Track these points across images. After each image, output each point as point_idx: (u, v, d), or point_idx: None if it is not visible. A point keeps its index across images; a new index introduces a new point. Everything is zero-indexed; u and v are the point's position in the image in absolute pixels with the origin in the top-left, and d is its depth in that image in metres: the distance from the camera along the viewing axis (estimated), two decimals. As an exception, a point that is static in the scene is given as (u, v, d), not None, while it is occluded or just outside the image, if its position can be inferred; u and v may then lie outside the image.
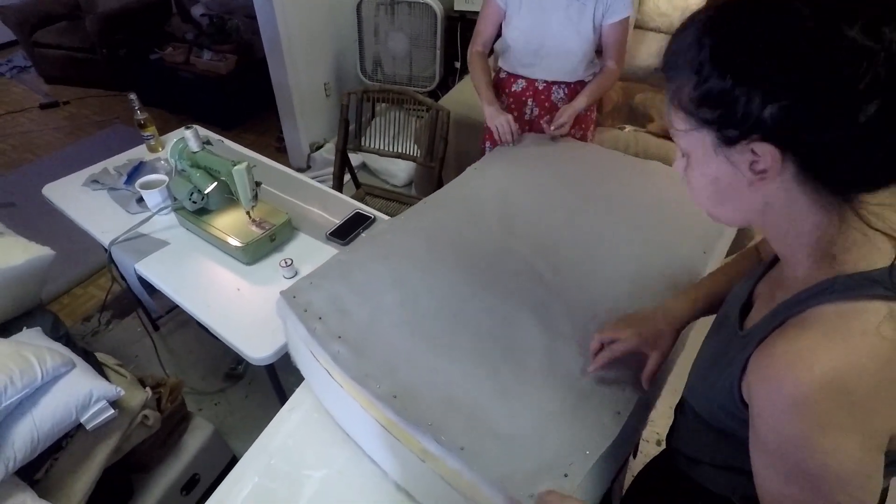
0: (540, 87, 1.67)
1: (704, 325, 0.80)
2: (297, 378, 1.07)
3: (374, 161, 2.92)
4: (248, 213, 1.39)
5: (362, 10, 2.81)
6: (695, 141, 0.52)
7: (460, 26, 2.89)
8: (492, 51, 1.71)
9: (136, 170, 1.67)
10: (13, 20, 3.92)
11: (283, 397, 1.24)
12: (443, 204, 1.25)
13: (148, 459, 1.40)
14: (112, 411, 1.18)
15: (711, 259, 1.12)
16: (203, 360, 2.03)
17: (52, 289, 2.30)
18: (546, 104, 1.69)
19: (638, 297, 0.99)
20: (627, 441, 0.84)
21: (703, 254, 1.11)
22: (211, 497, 0.92)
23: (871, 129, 0.42)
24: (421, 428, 0.75)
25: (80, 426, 1.17)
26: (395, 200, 2.20)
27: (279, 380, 1.35)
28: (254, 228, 1.39)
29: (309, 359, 0.95)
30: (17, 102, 3.95)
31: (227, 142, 1.92)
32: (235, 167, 1.28)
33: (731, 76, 0.46)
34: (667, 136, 2.31)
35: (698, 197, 0.57)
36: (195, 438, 1.51)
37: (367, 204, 1.71)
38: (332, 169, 2.24)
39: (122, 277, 1.55)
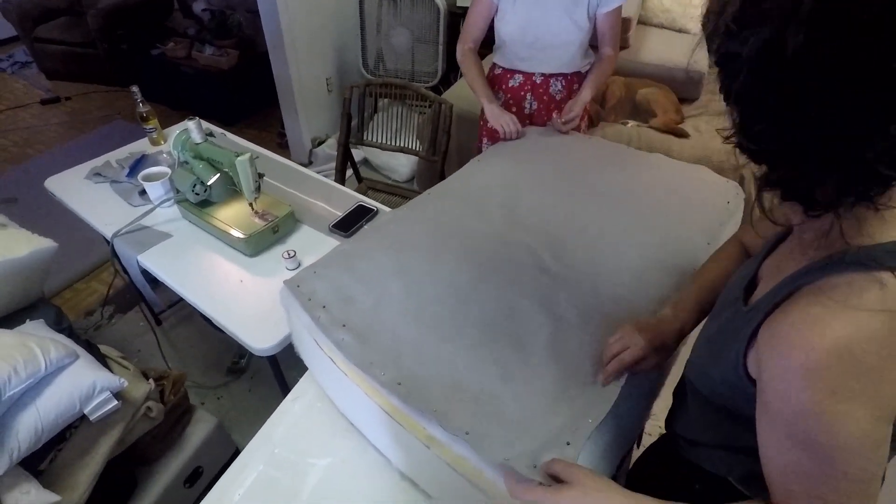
0: (538, 81, 1.67)
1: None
2: (300, 371, 1.08)
3: (376, 156, 2.91)
4: (250, 204, 1.39)
5: (365, 5, 2.81)
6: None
7: (463, 22, 2.89)
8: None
9: (139, 163, 1.67)
10: (14, 15, 3.92)
11: (285, 390, 1.24)
12: (446, 195, 1.25)
13: (151, 452, 1.40)
14: (116, 402, 1.18)
15: (714, 250, 1.12)
16: (205, 354, 2.03)
17: (54, 283, 2.30)
18: (544, 98, 1.69)
19: (641, 286, 0.99)
20: (631, 427, 0.84)
21: (706, 245, 1.11)
22: (215, 485, 0.93)
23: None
24: (426, 414, 0.75)
25: (83, 418, 1.17)
26: (398, 195, 2.20)
27: (282, 372, 1.35)
28: (257, 220, 1.39)
29: (313, 347, 0.95)
30: (19, 98, 3.95)
31: (230, 135, 1.91)
32: (238, 158, 1.27)
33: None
34: (669, 131, 2.31)
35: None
36: (198, 431, 1.51)
37: (369, 198, 1.71)
38: (333, 164, 2.24)
39: (125, 271, 1.55)
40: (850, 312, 0.46)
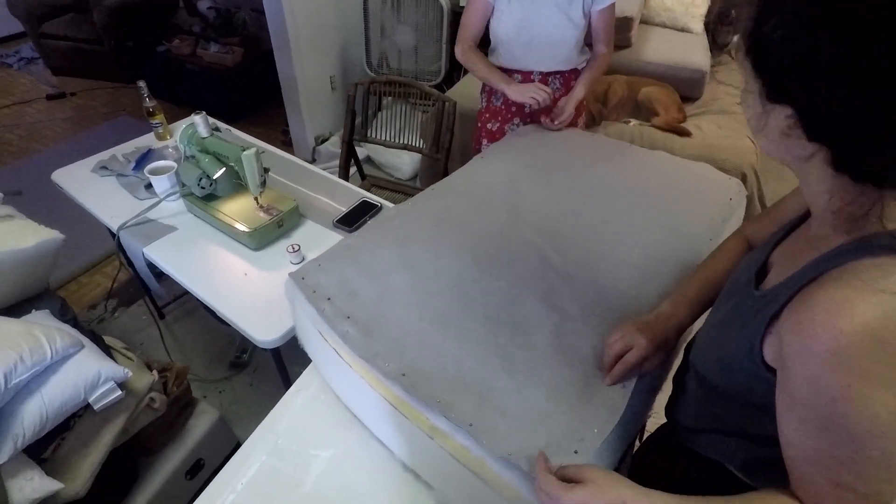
0: (536, 80, 1.67)
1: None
2: (303, 367, 1.09)
3: (379, 155, 2.92)
4: (255, 199, 1.40)
5: (369, 4, 2.82)
6: (746, 78, 0.54)
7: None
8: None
9: (145, 157, 1.68)
10: (21, 12, 3.94)
11: (288, 383, 1.25)
12: (449, 190, 1.26)
13: (153, 443, 1.41)
14: (119, 392, 1.19)
15: (716, 245, 1.13)
16: (208, 348, 2.04)
17: (58, 277, 2.31)
18: None
19: (644, 281, 1.00)
20: (634, 421, 0.84)
21: (709, 240, 1.12)
22: (218, 475, 0.93)
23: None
24: (430, 405, 0.76)
25: (87, 407, 1.18)
26: (401, 192, 2.20)
27: (285, 365, 1.36)
28: (261, 214, 1.40)
29: (317, 339, 0.95)
30: (25, 93, 3.96)
31: (235, 130, 1.92)
32: (244, 152, 1.28)
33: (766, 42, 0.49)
34: (671, 129, 2.32)
35: (745, 115, 0.59)
36: (200, 423, 1.52)
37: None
38: (337, 162, 2.25)
39: (129, 264, 1.56)
40: (879, 295, 0.46)
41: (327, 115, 3.09)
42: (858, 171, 0.49)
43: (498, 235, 1.10)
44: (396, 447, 0.91)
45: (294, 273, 0.99)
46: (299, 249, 1.33)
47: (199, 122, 1.38)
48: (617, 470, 0.83)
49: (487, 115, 1.78)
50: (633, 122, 2.42)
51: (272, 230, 1.40)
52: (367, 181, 2.26)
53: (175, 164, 1.56)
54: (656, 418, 1.35)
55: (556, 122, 1.53)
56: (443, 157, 2.00)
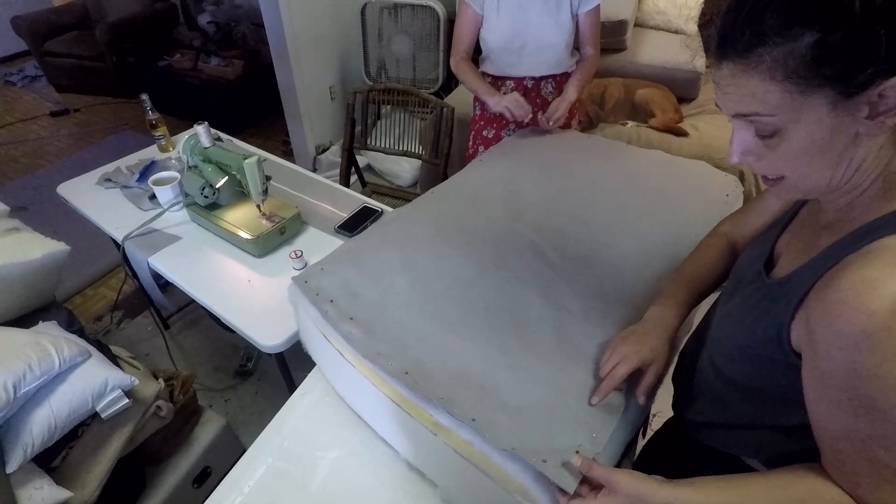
0: (529, 85, 1.69)
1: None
2: (307, 373, 1.09)
3: (380, 162, 2.95)
4: (258, 206, 1.42)
5: (366, 14, 2.85)
6: (798, 108, 0.49)
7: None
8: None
9: (148, 168, 1.71)
10: (25, 30, 4.00)
11: (293, 389, 1.26)
12: (449, 192, 1.28)
13: (160, 451, 1.42)
14: (127, 400, 1.20)
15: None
16: (213, 357, 2.05)
17: (64, 290, 2.33)
18: (537, 101, 1.71)
19: (642, 277, 1.01)
20: (635, 418, 0.85)
21: (707, 237, 1.13)
22: (226, 477, 0.94)
23: None
24: (433, 401, 0.77)
25: (95, 416, 1.19)
26: (401, 198, 2.22)
27: (289, 371, 1.37)
28: (264, 222, 1.41)
29: (321, 341, 0.97)
30: (29, 111, 4.01)
31: (237, 141, 1.95)
32: (246, 160, 1.30)
33: (859, 19, 0.43)
34: (668, 130, 2.33)
35: (791, 172, 0.55)
36: (207, 431, 1.52)
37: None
38: (337, 170, 2.27)
39: (134, 275, 1.58)
40: None
41: (327, 125, 3.12)
42: None
43: (497, 235, 1.11)
44: (401, 446, 0.92)
45: (297, 277, 1.00)
46: (302, 255, 1.35)
47: (201, 132, 1.40)
48: (619, 464, 0.84)
49: (482, 123, 1.80)
50: (631, 123, 2.44)
51: (275, 237, 1.41)
52: (367, 188, 2.28)
53: (178, 175, 1.58)
54: (660, 417, 1.36)
55: (550, 123, 1.55)
56: (442, 163, 2.02)
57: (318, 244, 1.45)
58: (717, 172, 1.39)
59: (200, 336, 2.14)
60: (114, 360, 1.34)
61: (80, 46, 4.02)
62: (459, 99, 2.55)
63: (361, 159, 2.85)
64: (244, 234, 1.38)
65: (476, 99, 1.81)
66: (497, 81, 1.72)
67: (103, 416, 1.17)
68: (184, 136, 1.86)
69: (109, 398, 1.17)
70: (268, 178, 1.40)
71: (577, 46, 1.66)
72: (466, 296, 0.95)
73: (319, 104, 3.01)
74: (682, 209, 1.21)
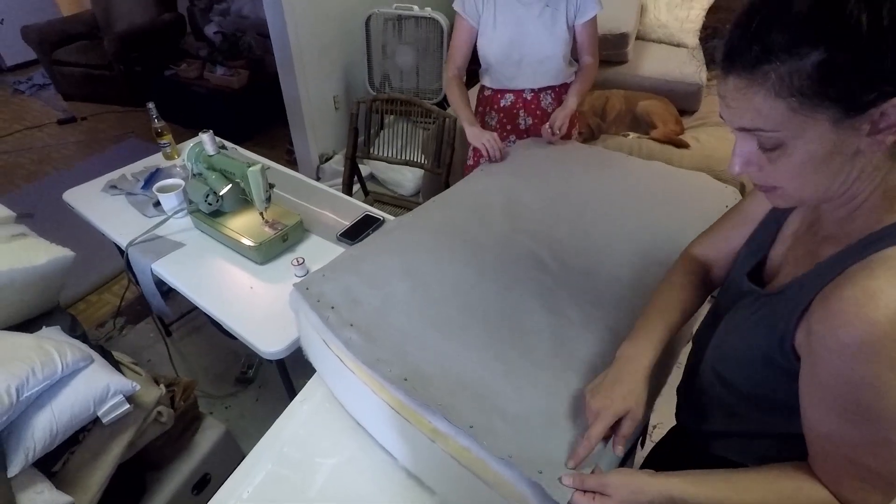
0: (528, 97, 1.71)
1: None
2: (307, 379, 1.10)
3: (382, 172, 2.97)
4: (261, 214, 1.43)
5: (370, 26, 2.89)
6: (801, 125, 0.49)
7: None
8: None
9: (153, 175, 1.73)
10: (35, 39, 4.05)
11: (293, 396, 1.27)
12: (450, 201, 1.29)
13: (161, 457, 1.42)
14: (128, 406, 1.20)
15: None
16: (214, 364, 2.06)
17: (67, 296, 2.35)
18: (537, 112, 1.73)
19: (640, 286, 1.01)
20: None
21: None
22: (225, 483, 0.95)
23: None
24: (431, 407, 0.77)
25: (96, 421, 1.19)
26: (403, 207, 2.24)
27: (290, 378, 1.38)
28: (267, 229, 1.43)
29: (321, 347, 0.97)
30: (37, 119, 4.06)
31: (241, 149, 1.97)
32: (250, 168, 1.32)
33: (866, 39, 0.44)
34: (669, 141, 2.35)
35: (790, 184, 0.55)
36: (207, 438, 1.53)
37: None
38: (340, 179, 2.29)
39: (137, 282, 1.59)
40: None
41: (331, 134, 3.14)
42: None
43: (497, 243, 1.12)
44: (399, 452, 0.92)
45: (299, 283, 1.01)
46: (304, 263, 1.36)
47: (206, 140, 1.42)
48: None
49: None
50: (632, 135, 2.46)
51: (277, 244, 1.43)
52: (370, 197, 2.29)
53: (183, 182, 1.60)
54: (661, 428, 1.36)
55: (552, 133, 1.56)
56: (444, 172, 2.04)
57: (320, 252, 1.46)
58: (716, 184, 1.40)
59: (202, 343, 2.15)
60: (116, 365, 1.35)
61: (89, 55, 4.07)
62: (462, 109, 2.57)
63: (364, 168, 2.87)
64: (247, 241, 1.40)
65: (476, 111, 1.82)
66: (497, 94, 1.74)
67: (104, 420, 1.18)
68: (189, 144, 1.88)
69: (111, 403, 1.18)
70: (271, 186, 1.41)
71: (575, 57, 1.67)
72: (466, 303, 0.96)
73: (323, 114, 3.04)
74: (682, 220, 1.22)
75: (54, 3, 4.83)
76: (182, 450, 1.47)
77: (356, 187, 2.30)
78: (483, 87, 1.79)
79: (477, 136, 1.54)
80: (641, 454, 1.25)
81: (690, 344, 0.87)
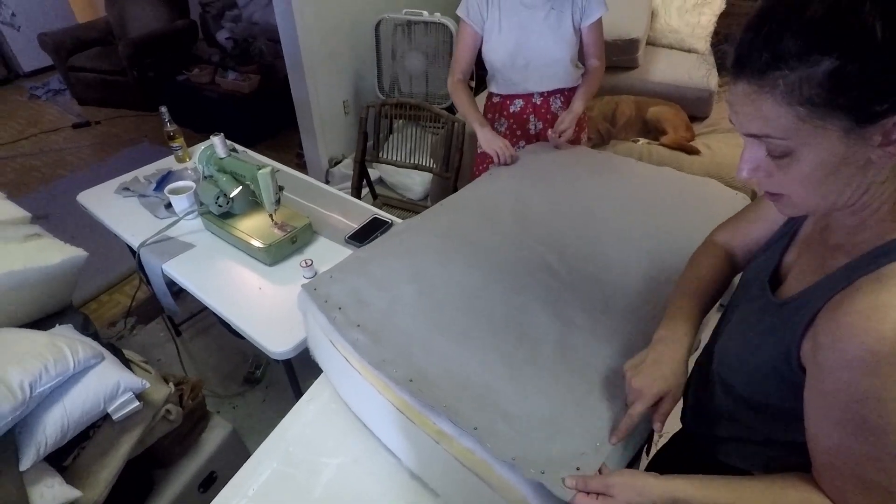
0: (538, 102, 1.71)
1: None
2: (314, 381, 1.11)
3: (391, 175, 2.98)
4: (270, 216, 1.45)
5: (380, 31, 2.91)
6: (811, 133, 0.49)
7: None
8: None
9: (165, 178, 1.75)
10: (51, 46, 4.13)
11: (300, 397, 1.28)
12: (458, 205, 1.30)
13: (168, 455, 1.43)
14: (137, 403, 1.22)
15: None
16: (222, 364, 2.08)
17: (80, 296, 2.38)
18: (547, 116, 1.73)
19: (649, 292, 1.01)
20: (639, 433, 0.85)
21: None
22: (230, 481, 0.96)
23: None
24: (436, 409, 0.78)
25: (106, 418, 1.21)
26: (412, 211, 2.25)
27: (297, 379, 1.39)
28: (276, 231, 1.44)
29: (328, 348, 0.98)
30: (52, 123, 4.13)
31: (251, 152, 1.99)
32: (260, 171, 1.34)
33: (881, 48, 0.43)
34: (679, 147, 2.34)
35: (797, 192, 0.55)
36: (214, 437, 1.54)
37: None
38: (349, 183, 2.31)
39: (149, 282, 1.61)
40: None
41: (340, 139, 3.17)
42: None
43: (505, 247, 1.12)
44: (403, 453, 0.92)
45: (307, 284, 1.02)
46: (312, 264, 1.37)
47: (217, 142, 1.44)
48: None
49: None
50: (642, 141, 2.45)
51: (286, 246, 1.44)
52: (378, 200, 2.31)
53: (194, 185, 1.62)
54: (666, 437, 1.35)
55: (557, 136, 1.56)
56: (452, 176, 2.05)
57: (328, 254, 1.47)
58: (727, 190, 1.40)
59: (211, 343, 2.17)
60: (126, 363, 1.37)
61: (103, 61, 4.14)
62: (471, 114, 2.59)
63: (373, 172, 2.89)
64: (256, 243, 1.41)
65: (485, 116, 1.82)
66: (506, 100, 1.74)
67: (114, 417, 1.19)
68: (200, 147, 1.91)
69: (121, 400, 1.20)
70: (280, 189, 1.43)
71: (581, 60, 1.67)
72: (473, 306, 0.97)
73: (333, 118, 3.07)
74: (691, 226, 1.21)
75: (70, 10, 4.92)
76: (189, 448, 1.48)
77: (365, 191, 2.32)
78: (491, 94, 1.79)
79: (489, 141, 1.54)
80: (646, 461, 1.25)
81: (699, 351, 0.87)
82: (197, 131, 3.77)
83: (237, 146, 1.89)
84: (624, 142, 2.46)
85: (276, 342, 1.22)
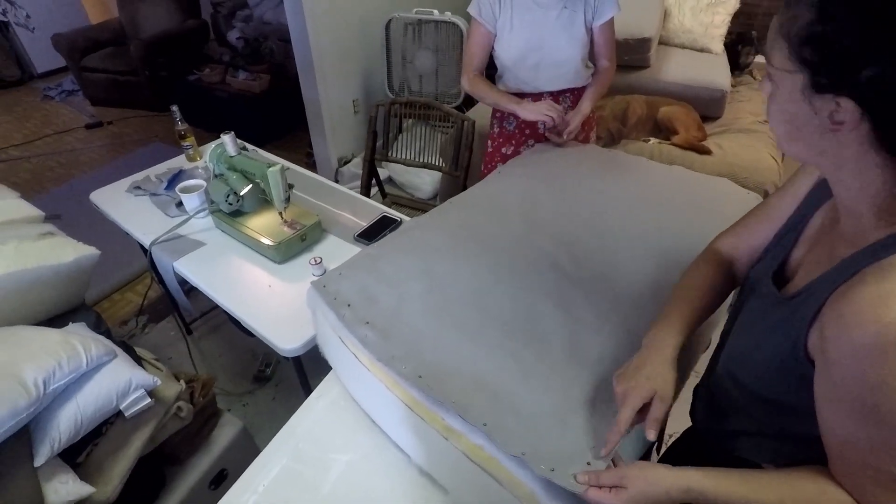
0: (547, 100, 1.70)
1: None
2: (324, 378, 1.11)
3: (400, 175, 2.99)
4: (280, 214, 1.45)
5: (390, 30, 2.92)
6: (785, 78, 0.54)
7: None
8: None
9: (176, 177, 1.77)
10: (64, 47, 4.18)
11: (309, 395, 1.28)
12: (467, 203, 1.29)
13: (180, 452, 1.44)
14: (149, 400, 1.23)
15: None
16: (233, 362, 2.09)
17: (92, 295, 2.41)
18: None
19: (658, 291, 1.00)
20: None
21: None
22: (241, 476, 0.96)
23: None
24: (445, 405, 0.77)
25: (119, 415, 1.22)
26: (421, 210, 2.25)
27: (306, 376, 1.39)
28: (285, 229, 1.45)
29: (337, 345, 0.98)
30: (65, 123, 4.18)
31: (262, 152, 2.00)
32: (270, 168, 1.34)
33: (848, 25, 0.47)
34: (691, 147, 2.32)
35: (775, 127, 0.59)
36: (224, 434, 1.55)
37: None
38: (359, 182, 2.31)
39: (160, 281, 1.63)
40: None
41: (350, 138, 3.18)
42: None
43: (514, 245, 1.12)
44: (412, 450, 0.92)
45: (316, 281, 1.02)
46: (321, 262, 1.38)
47: (227, 141, 1.45)
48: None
49: (501, 140, 1.81)
50: (653, 140, 2.44)
51: (296, 244, 1.45)
52: (387, 199, 2.31)
53: (204, 183, 1.63)
54: (678, 423, 1.33)
55: (564, 135, 1.55)
56: (462, 175, 2.04)
57: (337, 251, 1.47)
58: (739, 189, 1.39)
59: (221, 342, 2.18)
60: (138, 361, 1.38)
61: (115, 62, 4.18)
62: (481, 113, 2.58)
63: (382, 172, 2.90)
64: (266, 241, 1.42)
65: (493, 115, 1.82)
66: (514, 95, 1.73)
67: (127, 414, 1.20)
68: (211, 146, 1.92)
69: (133, 397, 1.21)
70: (290, 187, 1.43)
71: (592, 59, 1.66)
72: (481, 303, 0.96)
73: (343, 117, 3.08)
74: (702, 225, 1.20)
75: (83, 11, 4.98)
76: (200, 445, 1.49)
77: (374, 190, 2.32)
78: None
79: (533, 110, 1.52)
80: (656, 458, 1.24)
81: (711, 350, 0.86)
82: (208, 131, 3.80)
83: (247, 145, 1.90)
84: (635, 141, 2.45)
85: (286, 339, 1.22)
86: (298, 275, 1.40)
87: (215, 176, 1.54)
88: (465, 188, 2.05)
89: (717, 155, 2.31)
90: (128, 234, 1.64)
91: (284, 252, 1.42)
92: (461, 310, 0.95)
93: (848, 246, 0.57)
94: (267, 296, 1.35)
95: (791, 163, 2.32)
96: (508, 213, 1.23)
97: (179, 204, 1.64)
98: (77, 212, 2.00)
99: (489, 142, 1.85)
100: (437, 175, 2.79)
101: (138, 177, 1.83)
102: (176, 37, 4.17)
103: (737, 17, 2.85)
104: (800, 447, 0.64)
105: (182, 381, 1.39)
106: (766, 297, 0.67)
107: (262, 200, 1.53)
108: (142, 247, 1.59)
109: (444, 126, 2.47)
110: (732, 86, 2.73)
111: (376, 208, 1.65)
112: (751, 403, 0.69)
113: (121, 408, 1.19)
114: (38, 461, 1.07)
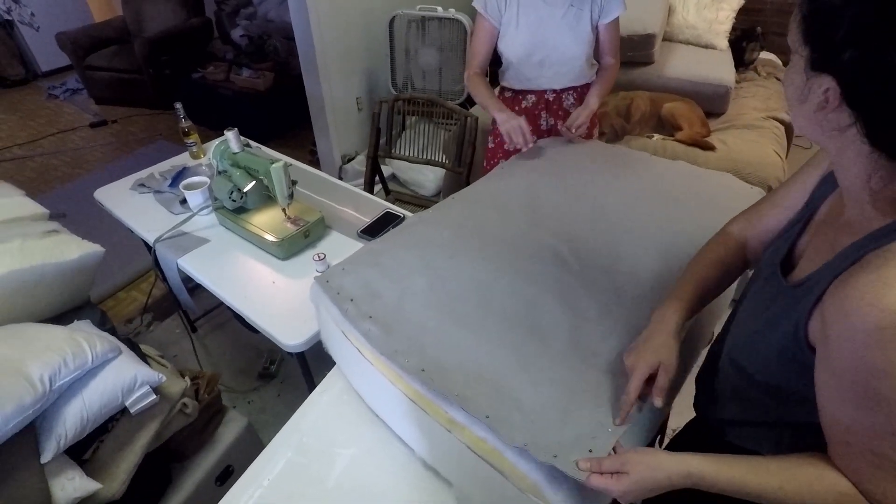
0: (550, 98, 1.69)
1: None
2: (328, 373, 1.12)
3: (404, 172, 2.99)
4: (283, 210, 1.45)
5: (394, 27, 2.92)
6: (797, 52, 0.55)
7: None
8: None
9: (180, 174, 1.77)
10: (69, 45, 4.19)
11: (313, 389, 1.29)
12: (470, 198, 1.29)
13: (185, 448, 1.45)
14: (154, 396, 1.24)
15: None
16: (237, 359, 2.10)
17: (97, 292, 2.42)
18: (559, 113, 1.72)
19: (660, 286, 1.00)
20: (651, 420, 0.85)
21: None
22: (246, 471, 0.97)
23: None
24: (448, 398, 0.78)
25: (124, 412, 1.22)
26: (424, 207, 2.24)
27: (310, 372, 1.40)
28: (289, 225, 1.45)
29: (340, 339, 0.99)
30: (69, 122, 4.19)
31: (265, 148, 2.01)
32: (273, 165, 1.35)
33: (837, 7, 0.49)
34: (695, 143, 2.31)
35: (787, 100, 0.60)
36: (230, 431, 1.55)
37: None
38: (362, 179, 2.32)
39: (164, 278, 1.63)
40: None
41: (354, 135, 3.18)
42: (894, 147, 0.51)
43: (517, 240, 1.12)
44: (416, 443, 0.92)
45: (319, 277, 1.03)
46: (325, 258, 1.38)
47: (231, 137, 1.45)
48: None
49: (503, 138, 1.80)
50: (657, 136, 2.43)
51: (299, 240, 1.45)
52: (391, 196, 2.31)
53: (208, 180, 1.63)
54: (680, 417, 1.33)
55: (573, 131, 1.55)
56: (465, 171, 2.04)
57: (340, 247, 1.48)
58: (742, 184, 1.38)
59: (226, 339, 2.19)
60: (143, 358, 1.39)
61: (120, 60, 4.19)
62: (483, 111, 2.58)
63: (386, 169, 2.90)
64: (269, 237, 1.42)
65: None
66: (518, 95, 1.73)
67: (132, 410, 1.21)
68: (214, 143, 1.92)
69: (138, 394, 1.21)
70: (293, 183, 1.44)
71: (596, 57, 1.66)
72: (484, 298, 0.96)
73: (346, 115, 3.08)
74: (705, 220, 1.19)
75: (87, 9, 5.00)
76: (206, 442, 1.50)
77: (377, 187, 2.32)
78: (503, 89, 1.78)
79: (505, 121, 1.50)
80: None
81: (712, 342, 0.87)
82: (212, 128, 3.80)
83: (251, 142, 1.90)
84: (638, 137, 2.43)
85: (290, 335, 1.23)
86: (302, 271, 1.40)
87: (219, 173, 1.54)
88: (468, 184, 2.05)
89: (720, 151, 2.29)
90: (132, 231, 1.64)
91: (288, 248, 1.43)
92: (464, 304, 0.95)
93: (850, 235, 0.57)
94: (271, 292, 1.36)
95: (795, 159, 2.31)
96: (511, 209, 1.23)
97: (183, 201, 1.64)
98: (81, 210, 2.02)
99: (491, 138, 1.85)
100: (440, 172, 2.78)
101: (142, 174, 1.83)
102: (180, 35, 4.18)
103: (742, 13, 2.83)
104: (800, 436, 0.65)
105: (187, 378, 1.39)
106: (770, 284, 0.67)
107: (266, 197, 1.53)
108: (146, 244, 1.60)
109: (447, 123, 2.47)
110: (737, 82, 2.72)
111: (380, 205, 1.65)
112: (753, 391, 0.69)
113: (126, 404, 1.20)
114: (45, 458, 1.07)
